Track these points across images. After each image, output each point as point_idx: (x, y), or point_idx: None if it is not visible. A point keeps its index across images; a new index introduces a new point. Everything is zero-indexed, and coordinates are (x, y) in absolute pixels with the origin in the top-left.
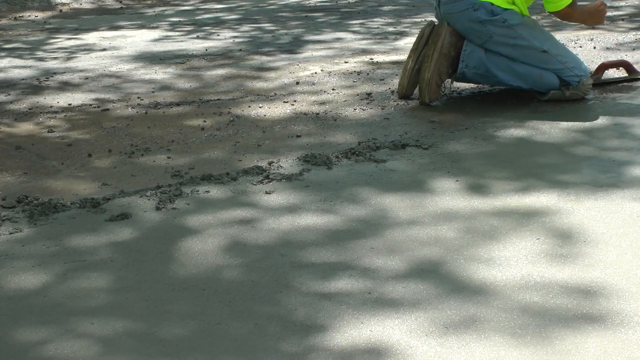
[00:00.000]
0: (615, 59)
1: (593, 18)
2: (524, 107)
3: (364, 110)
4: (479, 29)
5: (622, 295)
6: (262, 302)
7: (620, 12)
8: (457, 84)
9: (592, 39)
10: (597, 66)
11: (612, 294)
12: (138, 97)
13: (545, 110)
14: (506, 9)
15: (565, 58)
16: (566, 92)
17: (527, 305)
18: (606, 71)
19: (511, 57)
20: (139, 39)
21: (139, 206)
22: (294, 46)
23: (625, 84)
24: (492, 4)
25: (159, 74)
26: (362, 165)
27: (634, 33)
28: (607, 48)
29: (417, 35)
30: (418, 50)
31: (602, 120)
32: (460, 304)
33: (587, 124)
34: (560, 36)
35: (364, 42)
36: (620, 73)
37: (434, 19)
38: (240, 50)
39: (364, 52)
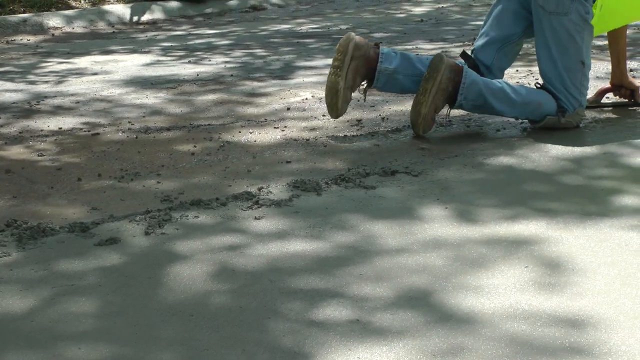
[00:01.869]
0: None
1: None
2: (514, 135)
3: (354, 136)
4: (565, 1)
5: (609, 325)
6: (250, 328)
7: None
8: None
9: None
10: (597, 90)
11: (600, 323)
12: (129, 122)
13: (535, 138)
14: (592, 7)
15: (586, 82)
16: (562, 119)
17: (515, 334)
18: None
19: (559, 42)
20: (131, 64)
21: (127, 231)
22: (285, 72)
23: (616, 113)
24: None
25: (150, 98)
26: (352, 192)
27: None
28: (598, 77)
29: (338, 51)
30: (344, 67)
31: (591, 149)
32: (448, 333)
33: (577, 153)
34: None
35: None
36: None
37: (383, 45)
38: (232, 75)
39: None
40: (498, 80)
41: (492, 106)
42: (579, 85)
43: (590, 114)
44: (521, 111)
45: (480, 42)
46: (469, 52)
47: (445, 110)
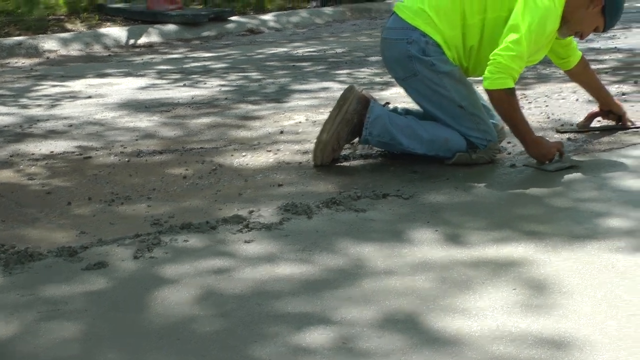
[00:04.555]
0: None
1: (536, 146)
2: (504, 158)
3: (346, 159)
4: (407, 64)
5: (595, 346)
6: (237, 352)
7: (604, 66)
8: None
9: (575, 92)
10: (587, 114)
11: (586, 345)
12: (121, 145)
13: (524, 162)
14: (440, 55)
15: (479, 119)
16: (473, 155)
17: (501, 357)
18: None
19: (429, 100)
20: (125, 87)
21: (116, 255)
22: (280, 95)
23: (605, 136)
24: (427, 42)
25: (144, 121)
26: (343, 215)
27: (617, 86)
28: (590, 101)
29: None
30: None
31: (580, 172)
32: (434, 355)
33: (565, 176)
34: (543, 88)
35: None
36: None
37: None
38: (227, 98)
39: None
40: (406, 116)
41: (400, 142)
42: (474, 126)
43: (580, 138)
44: (430, 147)
45: None
46: None
47: (359, 146)
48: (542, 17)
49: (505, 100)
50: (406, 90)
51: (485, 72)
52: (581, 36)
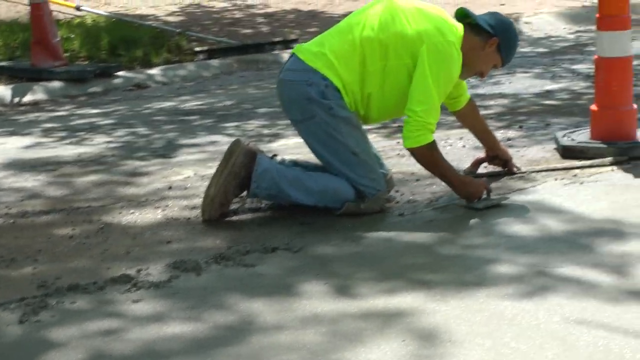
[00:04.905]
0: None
1: (464, 186)
2: (392, 208)
3: (235, 213)
4: (305, 105)
5: None
6: None
7: (490, 111)
8: None
9: (461, 138)
10: (473, 160)
11: None
12: (6, 207)
13: (412, 210)
14: (339, 99)
15: (370, 167)
16: (362, 204)
17: None
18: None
19: (323, 144)
20: (10, 146)
21: (1, 320)
22: (168, 150)
23: (492, 182)
24: (327, 85)
25: (29, 181)
26: (232, 270)
27: (502, 131)
28: (476, 147)
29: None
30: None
31: (468, 219)
32: None
33: (454, 223)
34: None
35: None
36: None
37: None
38: (114, 155)
39: None
40: (295, 167)
41: (288, 194)
42: (365, 174)
43: None
44: (319, 199)
45: None
46: None
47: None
48: (447, 64)
49: (428, 154)
50: (301, 133)
51: (404, 131)
52: (482, 75)
